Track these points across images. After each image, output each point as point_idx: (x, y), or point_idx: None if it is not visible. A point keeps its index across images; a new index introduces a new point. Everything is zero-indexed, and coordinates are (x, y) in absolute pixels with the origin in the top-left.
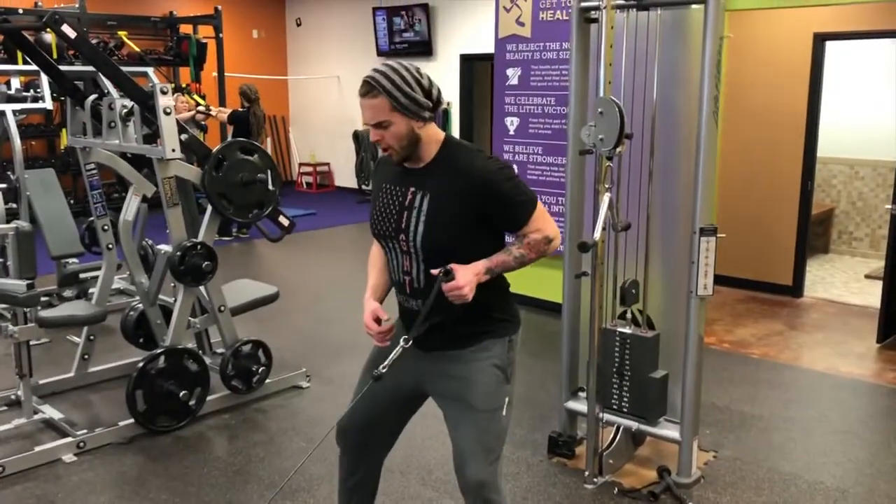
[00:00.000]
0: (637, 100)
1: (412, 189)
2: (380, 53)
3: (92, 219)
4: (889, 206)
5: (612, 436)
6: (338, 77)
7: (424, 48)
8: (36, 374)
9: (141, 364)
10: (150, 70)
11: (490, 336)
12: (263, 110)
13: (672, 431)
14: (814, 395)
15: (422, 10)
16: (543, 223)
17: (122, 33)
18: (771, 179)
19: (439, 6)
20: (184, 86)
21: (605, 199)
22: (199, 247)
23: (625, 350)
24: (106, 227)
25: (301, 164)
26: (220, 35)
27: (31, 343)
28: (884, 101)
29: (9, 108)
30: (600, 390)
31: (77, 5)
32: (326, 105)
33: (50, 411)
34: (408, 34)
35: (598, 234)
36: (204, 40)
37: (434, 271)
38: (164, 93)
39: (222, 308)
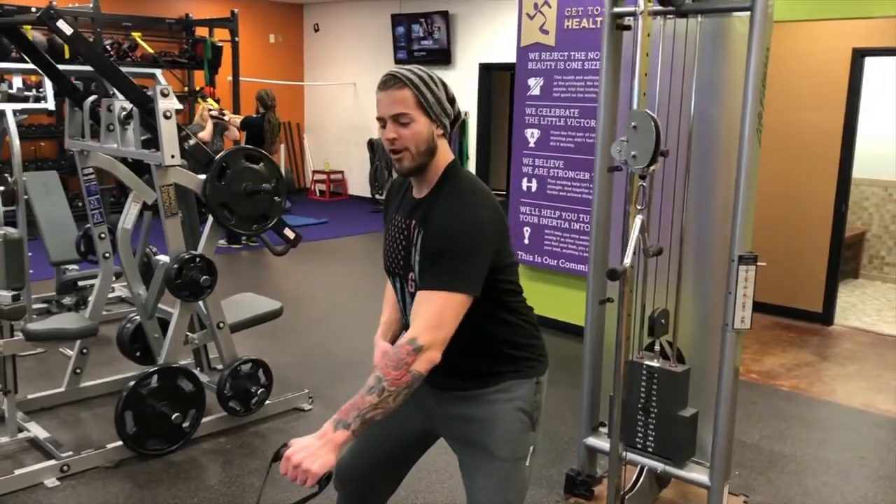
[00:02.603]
0: (672, 114)
1: (414, 222)
2: (397, 61)
3: (88, 226)
4: None
5: (635, 477)
6: (354, 84)
7: (443, 56)
8: (26, 386)
9: (132, 383)
10: (157, 72)
11: (514, 376)
12: (279, 118)
13: (701, 475)
14: (850, 433)
15: (441, 17)
16: (432, 315)
17: (136, 35)
18: (802, 201)
19: (459, 14)
20: (197, 89)
21: (637, 221)
22: (197, 259)
23: (652, 385)
24: (103, 235)
25: (314, 172)
26: (236, 39)
27: (25, 353)
28: None
29: (9, 107)
30: (624, 427)
31: (91, 5)
32: (342, 112)
33: (36, 429)
34: (426, 42)
35: (628, 260)
36: (219, 43)
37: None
38: (164, 95)
39: (221, 325)
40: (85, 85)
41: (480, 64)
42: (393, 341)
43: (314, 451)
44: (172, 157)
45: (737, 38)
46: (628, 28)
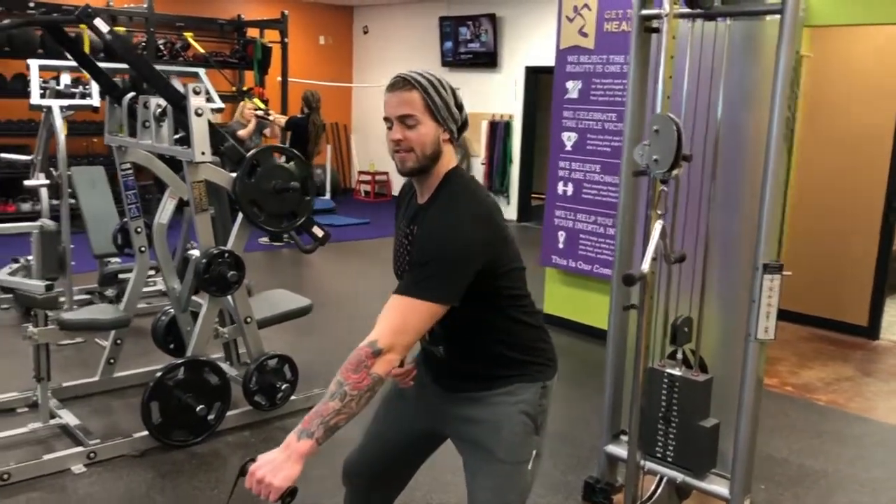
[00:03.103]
0: (699, 119)
1: (415, 227)
2: (444, 64)
3: (126, 220)
4: None
5: (653, 487)
6: None
7: (489, 59)
8: (63, 375)
9: (158, 374)
10: (200, 70)
11: (521, 379)
12: (323, 119)
13: (721, 487)
14: (886, 451)
15: (489, 20)
16: (396, 319)
17: (188, 35)
18: (848, 209)
19: (507, 16)
20: (245, 89)
21: (658, 226)
22: (226, 255)
23: (673, 393)
24: (139, 230)
25: (360, 173)
26: (286, 40)
27: (64, 343)
28: None
29: (55, 103)
30: (643, 436)
31: (145, 5)
32: None
33: (67, 416)
34: (473, 44)
35: (646, 266)
36: (269, 44)
37: None
38: (196, 93)
39: (248, 320)
40: (137, 83)
41: (527, 67)
42: None
43: (278, 464)
44: (203, 153)
45: (768, 42)
46: (657, 30)
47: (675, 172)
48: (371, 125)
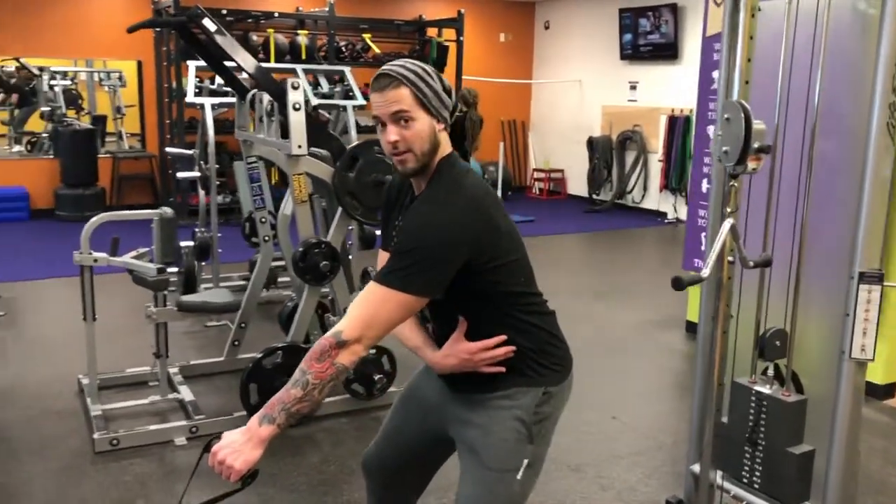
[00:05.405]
0: (796, 107)
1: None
2: (623, 57)
3: (251, 211)
4: None
5: None
6: (579, 81)
7: (669, 51)
8: (199, 353)
9: (258, 357)
10: (346, 69)
11: (521, 383)
12: (481, 115)
13: None
14: None
15: (669, 10)
16: (366, 310)
17: (366, 36)
18: None
19: (688, 5)
20: None
21: (726, 225)
22: (322, 246)
23: (760, 413)
24: (263, 220)
25: (535, 170)
26: (461, 38)
27: (211, 324)
28: None
29: (208, 101)
30: (724, 456)
31: (327, 9)
32: (565, 110)
33: (185, 392)
34: (653, 36)
35: (707, 270)
36: (445, 43)
37: None
38: (294, 88)
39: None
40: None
41: None
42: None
43: (238, 447)
44: (300, 147)
45: (874, 17)
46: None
47: (751, 166)
48: (549, 122)
